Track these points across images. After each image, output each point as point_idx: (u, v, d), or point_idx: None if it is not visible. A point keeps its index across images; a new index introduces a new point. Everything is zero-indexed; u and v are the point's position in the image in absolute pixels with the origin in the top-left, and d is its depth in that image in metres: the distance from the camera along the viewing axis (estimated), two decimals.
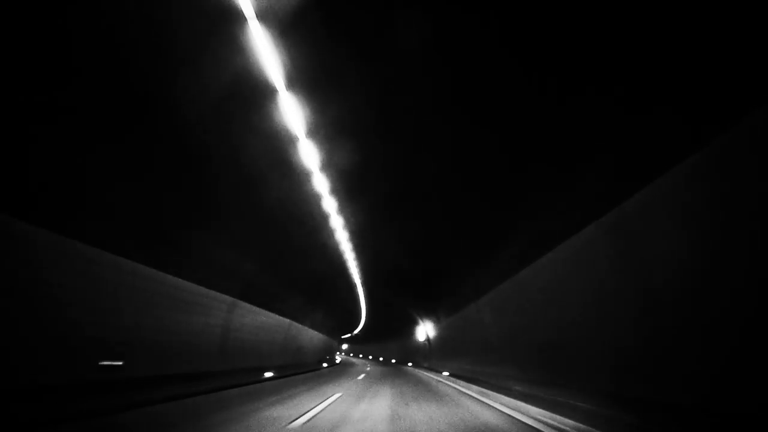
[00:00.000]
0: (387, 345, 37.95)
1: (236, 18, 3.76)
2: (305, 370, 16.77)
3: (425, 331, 20.70)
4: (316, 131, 5.53)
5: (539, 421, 4.78)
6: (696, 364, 3.73)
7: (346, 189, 7.57)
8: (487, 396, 7.60)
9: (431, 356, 20.16)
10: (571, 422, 4.63)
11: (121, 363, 5.43)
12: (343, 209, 8.50)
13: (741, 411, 3.19)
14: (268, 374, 12.22)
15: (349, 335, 43.70)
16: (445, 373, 14.47)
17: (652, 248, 4.23)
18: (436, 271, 11.76)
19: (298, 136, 5.60)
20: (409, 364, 27.41)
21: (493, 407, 6.04)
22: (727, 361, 3.37)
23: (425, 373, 16.65)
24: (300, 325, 17.81)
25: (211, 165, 5.90)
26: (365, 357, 52.75)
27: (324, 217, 8.80)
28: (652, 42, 3.24)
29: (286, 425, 4.49)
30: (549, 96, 4.22)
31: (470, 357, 12.70)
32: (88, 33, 3.59)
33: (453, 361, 14.98)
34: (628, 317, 4.71)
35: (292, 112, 5.07)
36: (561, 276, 6.32)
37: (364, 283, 17.36)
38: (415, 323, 22.35)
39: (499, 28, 3.68)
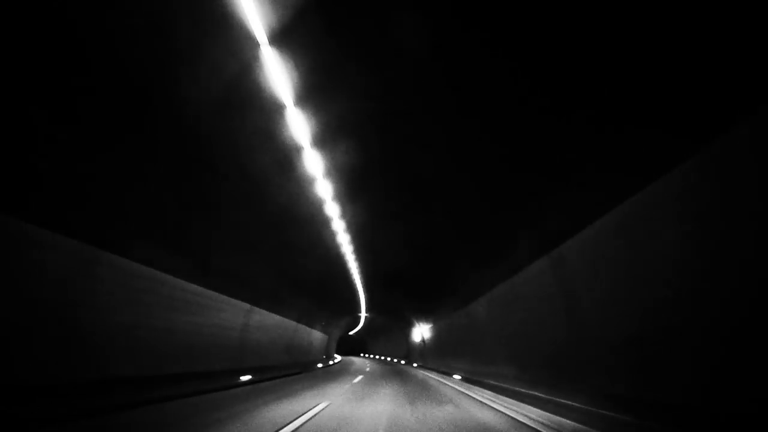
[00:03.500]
0: (389, 344, 37.85)
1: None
2: (294, 371, 14.65)
3: (430, 330, 20.24)
4: (320, 136, 5.61)
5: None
6: (694, 363, 3.78)
7: (348, 192, 7.62)
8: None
9: (443, 356, 17.85)
10: None
11: None
12: (344, 213, 8.57)
13: (740, 411, 3.23)
14: (244, 377, 10.14)
15: (350, 334, 43.77)
16: (457, 377, 13.49)
17: (652, 249, 4.30)
18: (437, 269, 11.79)
19: (303, 145, 5.72)
20: (415, 364, 24.19)
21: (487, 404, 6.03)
22: (726, 361, 3.42)
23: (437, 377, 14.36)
24: (279, 317, 15.10)
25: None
26: (366, 356, 52.78)
27: (326, 219, 8.85)
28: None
29: None
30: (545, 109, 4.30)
31: (482, 356, 12.08)
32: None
33: (465, 363, 13.92)
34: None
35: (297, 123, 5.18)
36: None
37: (365, 284, 17.35)
38: (417, 323, 22.15)
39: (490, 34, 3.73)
